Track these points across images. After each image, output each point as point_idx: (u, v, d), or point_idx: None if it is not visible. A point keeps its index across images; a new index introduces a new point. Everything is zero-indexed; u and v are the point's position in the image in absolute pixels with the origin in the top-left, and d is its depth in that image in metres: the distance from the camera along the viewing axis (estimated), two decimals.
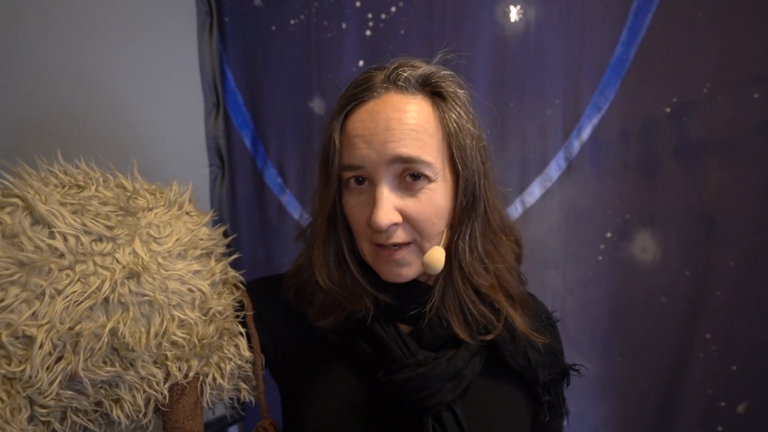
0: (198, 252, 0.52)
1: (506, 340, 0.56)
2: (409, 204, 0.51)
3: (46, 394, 0.41)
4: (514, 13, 1.10)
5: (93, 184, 0.49)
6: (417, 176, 0.51)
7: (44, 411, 0.42)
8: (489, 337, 0.54)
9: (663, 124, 1.08)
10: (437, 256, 0.51)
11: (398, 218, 0.50)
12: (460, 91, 0.54)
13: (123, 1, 0.95)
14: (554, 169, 1.14)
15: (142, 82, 0.98)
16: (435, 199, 0.51)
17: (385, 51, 1.16)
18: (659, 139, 1.08)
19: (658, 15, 1.05)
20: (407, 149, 0.49)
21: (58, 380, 0.42)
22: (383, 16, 1.15)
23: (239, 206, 1.28)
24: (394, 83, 0.52)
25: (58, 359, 0.42)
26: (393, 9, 1.14)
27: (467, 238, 0.53)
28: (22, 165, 0.49)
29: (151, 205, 0.51)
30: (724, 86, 1.04)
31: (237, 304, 0.56)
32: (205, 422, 1.18)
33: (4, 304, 0.40)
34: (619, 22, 1.07)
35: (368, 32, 1.16)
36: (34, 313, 0.41)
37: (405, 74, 0.52)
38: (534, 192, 1.15)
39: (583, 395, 1.22)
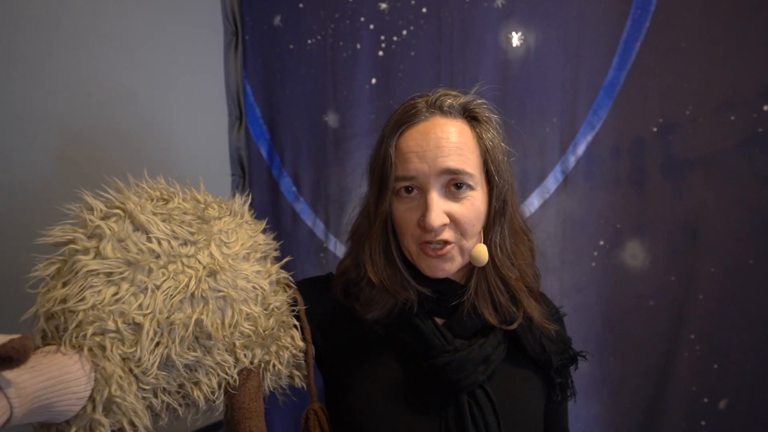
0: (258, 255, 0.60)
1: (525, 330, 0.64)
2: (455, 208, 0.59)
3: (148, 374, 0.48)
4: (515, 39, 1.20)
5: (175, 197, 0.56)
6: (460, 186, 0.59)
7: (147, 388, 0.49)
8: (512, 326, 0.63)
9: (650, 142, 1.18)
10: (483, 251, 0.60)
11: (447, 220, 0.59)
12: (493, 116, 0.64)
13: (158, 23, 1.02)
14: (552, 182, 1.23)
15: (173, 96, 1.06)
16: (476, 204, 0.60)
17: (397, 70, 1.25)
18: (647, 156, 1.19)
19: (646, 43, 1.16)
20: (454, 163, 0.58)
21: (157, 362, 0.49)
22: (395, 38, 1.24)
23: (255, 213, 1.35)
24: (440, 109, 0.62)
25: (157, 344, 0.49)
26: (404, 32, 1.23)
27: (498, 237, 0.62)
28: (114, 181, 0.56)
29: (219, 215, 0.59)
30: (704, 109, 1.15)
31: (290, 301, 0.63)
32: (215, 422, 1.23)
33: (118, 296, 0.47)
34: (611, 49, 1.18)
35: (381, 53, 1.25)
36: (140, 305, 0.48)
37: (449, 101, 0.62)
38: (533, 203, 1.24)
39: (578, 394, 1.30)
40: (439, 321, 0.65)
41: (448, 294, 0.64)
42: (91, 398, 0.44)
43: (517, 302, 0.63)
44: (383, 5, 1.23)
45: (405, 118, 0.62)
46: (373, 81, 1.27)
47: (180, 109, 1.08)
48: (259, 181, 1.34)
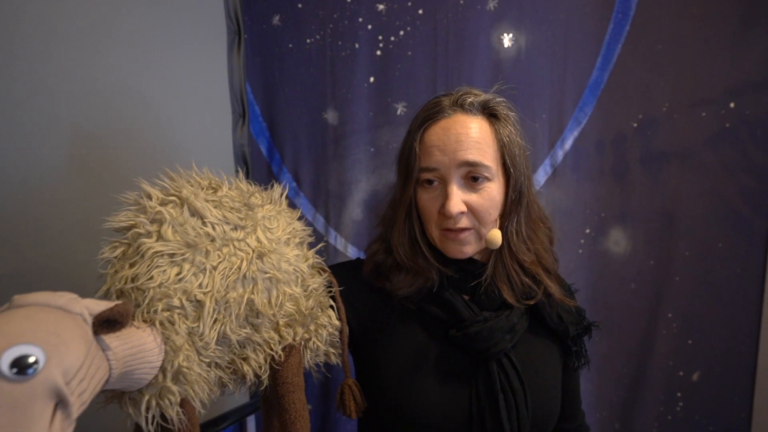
0: (297, 240, 0.64)
1: (545, 304, 0.71)
2: (473, 198, 0.65)
3: (208, 348, 0.52)
4: (507, 40, 1.27)
5: (223, 186, 0.60)
6: (477, 178, 0.65)
7: (206, 361, 0.52)
8: (532, 301, 0.69)
9: (631, 137, 1.28)
10: (497, 235, 0.66)
11: (464, 208, 0.64)
12: (511, 113, 0.69)
13: (164, 24, 1.04)
14: (542, 175, 1.31)
15: (180, 94, 1.08)
16: (492, 194, 0.66)
17: (394, 69, 1.30)
18: (628, 150, 1.28)
19: (626, 46, 1.25)
20: (473, 156, 0.64)
21: (215, 337, 0.52)
22: (392, 38, 1.29)
23: None
24: (461, 106, 0.67)
25: (215, 320, 0.52)
26: (401, 33, 1.28)
27: (514, 224, 0.68)
28: (167, 171, 0.59)
29: (262, 203, 0.62)
30: (678, 106, 1.25)
31: (326, 283, 0.68)
32: (225, 413, 1.26)
33: (181, 276, 0.50)
34: (595, 50, 1.26)
35: (379, 52, 1.30)
36: (200, 284, 0.51)
37: (470, 100, 0.67)
38: None
39: None
40: (465, 297, 0.71)
41: (470, 273, 0.70)
42: (162, 368, 0.48)
43: (537, 281, 0.70)
44: (381, 6, 1.27)
45: (429, 115, 0.67)
46: (371, 79, 1.31)
47: (185, 108, 1.09)
48: (259, 177, 1.37)
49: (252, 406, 1.31)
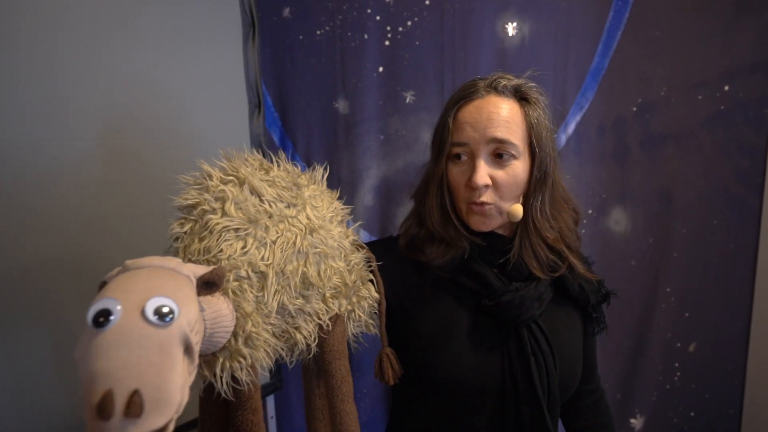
0: (339, 218, 0.69)
1: (568, 276, 0.76)
2: (499, 173, 0.70)
3: (271, 316, 0.57)
4: (511, 29, 1.31)
5: (274, 167, 0.65)
6: (503, 155, 0.70)
7: (268, 329, 0.57)
8: (556, 274, 0.75)
9: (631, 121, 1.34)
10: (519, 209, 0.72)
11: (489, 181, 0.69)
12: (541, 98, 0.74)
13: (183, 18, 1.08)
14: None
15: (199, 87, 1.11)
16: (516, 172, 0.71)
17: (402, 59, 1.34)
18: (628, 133, 1.34)
19: (626, 32, 1.30)
20: (501, 133, 0.69)
21: (276, 307, 0.57)
22: (400, 28, 1.32)
23: None
24: (495, 89, 0.72)
25: (276, 291, 0.57)
26: (409, 23, 1.32)
27: (539, 203, 0.73)
28: (224, 152, 0.64)
29: (307, 183, 0.67)
30: (676, 90, 1.31)
31: (365, 258, 0.73)
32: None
33: (245, 249, 0.55)
34: (596, 37, 1.31)
35: (387, 42, 1.33)
36: (262, 257, 0.56)
37: (503, 83, 0.72)
38: None
39: None
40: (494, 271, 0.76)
41: (497, 247, 0.75)
42: (234, 333, 0.53)
43: (562, 257, 0.76)
44: None
45: (465, 95, 0.72)
46: (380, 69, 1.35)
47: (203, 99, 1.13)
48: None
49: (272, 386, 1.36)
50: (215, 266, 0.46)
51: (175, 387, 0.36)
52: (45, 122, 0.88)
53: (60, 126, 0.90)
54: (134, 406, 0.33)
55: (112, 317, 0.35)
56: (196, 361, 0.40)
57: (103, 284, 0.43)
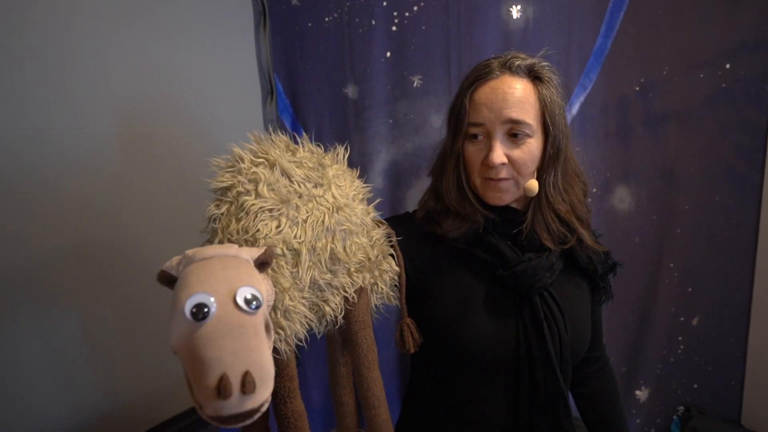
0: (360, 196, 0.72)
1: (577, 248, 0.80)
2: (514, 152, 0.73)
3: (304, 291, 0.61)
4: (515, 12, 1.33)
5: (300, 149, 0.68)
6: (518, 134, 0.73)
7: (303, 302, 0.61)
8: (566, 246, 0.79)
9: (634, 100, 1.36)
10: (534, 184, 0.75)
11: (505, 160, 0.73)
12: (554, 77, 0.77)
13: (196, 8, 1.10)
14: None
15: (213, 75, 1.14)
16: (531, 149, 0.74)
17: (409, 44, 1.36)
18: (631, 112, 1.37)
19: (628, 13, 1.32)
20: (516, 114, 0.72)
21: (308, 282, 0.61)
22: (407, 14, 1.35)
23: None
24: (509, 68, 0.74)
25: (308, 267, 0.61)
26: (415, 8, 1.34)
27: (551, 178, 0.76)
28: (253, 134, 0.67)
29: (331, 163, 0.70)
30: (678, 69, 1.34)
31: (385, 234, 0.77)
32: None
33: (280, 228, 0.58)
34: (599, 19, 1.34)
35: (394, 28, 1.36)
36: (295, 235, 0.60)
37: (517, 62, 0.74)
38: None
39: None
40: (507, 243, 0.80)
41: (511, 219, 0.79)
42: (274, 307, 0.57)
43: (571, 229, 0.79)
44: None
45: (480, 75, 0.75)
46: (388, 54, 1.37)
47: (218, 87, 1.16)
48: None
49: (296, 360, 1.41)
50: (266, 247, 0.49)
51: (270, 363, 0.41)
52: (60, 113, 0.90)
53: (75, 116, 0.92)
54: (249, 384, 0.38)
55: (207, 310, 0.40)
56: (273, 335, 0.45)
57: (163, 274, 0.47)
